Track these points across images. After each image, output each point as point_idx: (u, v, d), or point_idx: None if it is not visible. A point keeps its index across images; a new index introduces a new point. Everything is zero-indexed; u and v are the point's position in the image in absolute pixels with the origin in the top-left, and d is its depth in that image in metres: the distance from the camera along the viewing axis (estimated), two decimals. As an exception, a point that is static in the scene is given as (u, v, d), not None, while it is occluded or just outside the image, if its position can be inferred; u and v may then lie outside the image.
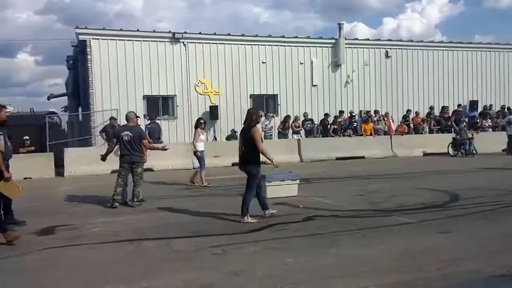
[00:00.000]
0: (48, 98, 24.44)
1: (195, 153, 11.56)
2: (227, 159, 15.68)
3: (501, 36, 69.01)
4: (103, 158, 8.97)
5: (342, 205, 8.25)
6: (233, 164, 15.01)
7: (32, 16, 70.61)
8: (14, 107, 7.71)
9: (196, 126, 11.70)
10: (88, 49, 17.50)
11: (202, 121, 11.90)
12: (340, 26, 21.46)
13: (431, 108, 21.61)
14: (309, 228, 6.66)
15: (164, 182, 12.05)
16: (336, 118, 19.17)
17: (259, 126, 8.35)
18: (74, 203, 9.34)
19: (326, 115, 19.30)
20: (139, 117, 9.82)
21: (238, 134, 18.20)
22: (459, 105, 22.17)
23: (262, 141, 7.32)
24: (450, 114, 21.20)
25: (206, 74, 19.10)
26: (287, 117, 18.56)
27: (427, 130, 20.25)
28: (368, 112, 20.43)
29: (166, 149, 9.77)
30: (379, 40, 22.79)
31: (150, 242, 6.08)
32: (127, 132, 8.73)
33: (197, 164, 11.99)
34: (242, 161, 7.36)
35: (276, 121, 18.91)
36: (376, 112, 20.18)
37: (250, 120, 7.39)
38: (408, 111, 20.91)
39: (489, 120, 21.33)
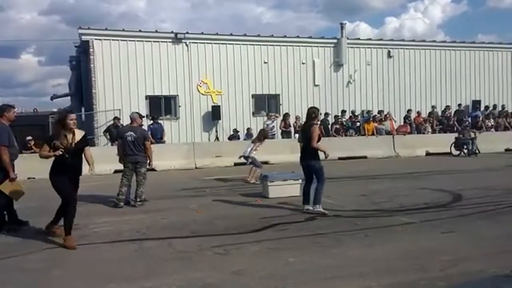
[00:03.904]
0: (51, 98, 24.55)
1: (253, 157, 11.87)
2: (229, 159, 15.71)
3: (504, 35, 69.07)
4: (120, 161, 9.04)
5: (344, 205, 8.24)
6: (235, 164, 15.07)
7: (36, 17, 70.95)
8: (17, 107, 7.75)
9: (265, 138, 12.38)
10: (91, 50, 17.57)
11: None
12: (342, 26, 21.48)
13: (433, 107, 21.59)
14: (311, 228, 6.65)
15: (166, 182, 12.06)
16: (337, 118, 19.16)
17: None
18: (77, 203, 9.32)
19: (326, 114, 19.28)
20: (143, 117, 9.86)
21: (240, 134, 18.34)
22: (459, 105, 22.15)
23: (320, 139, 7.75)
24: (451, 113, 21.18)
25: (208, 74, 19.16)
26: (286, 115, 18.61)
27: (430, 130, 20.23)
28: (369, 112, 20.43)
29: (153, 168, 9.90)
30: (381, 40, 22.82)
31: (152, 242, 6.09)
32: (131, 133, 8.75)
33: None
34: (302, 157, 7.82)
35: (279, 121, 18.91)
36: (380, 112, 20.20)
37: (309, 117, 7.86)
38: (409, 110, 20.91)
39: (492, 120, 21.30)
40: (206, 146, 17.46)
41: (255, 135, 12.10)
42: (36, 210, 8.22)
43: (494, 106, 22.65)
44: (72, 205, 6.15)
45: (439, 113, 21.50)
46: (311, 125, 7.71)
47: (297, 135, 18.29)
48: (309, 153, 7.65)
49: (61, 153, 6.01)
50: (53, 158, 6.12)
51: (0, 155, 6.72)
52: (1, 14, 66.13)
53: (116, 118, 15.72)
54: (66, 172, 6.13)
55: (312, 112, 7.89)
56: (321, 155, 7.74)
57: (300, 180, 9.18)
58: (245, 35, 20.10)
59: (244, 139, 18.27)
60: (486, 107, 22.39)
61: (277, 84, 20.16)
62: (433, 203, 8.27)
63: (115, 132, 13.81)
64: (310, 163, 7.67)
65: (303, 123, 18.31)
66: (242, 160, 12.13)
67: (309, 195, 7.82)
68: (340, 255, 5.30)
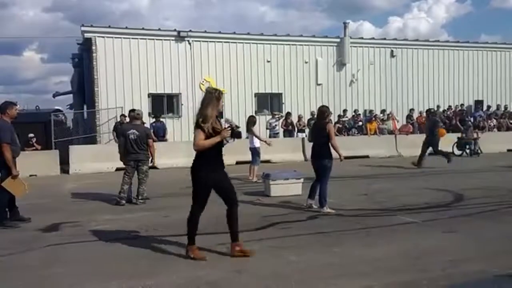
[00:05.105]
0: (54, 96, 24.58)
1: (254, 148, 11.88)
2: (231, 157, 15.68)
3: (508, 35, 68.91)
4: (121, 159, 9.06)
5: (346, 204, 8.24)
6: (237, 163, 15.07)
7: (39, 14, 71.06)
8: (20, 104, 7.80)
9: (254, 124, 12.17)
10: (94, 47, 17.56)
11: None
12: (345, 25, 21.41)
13: (438, 107, 21.57)
14: (313, 227, 6.66)
15: (168, 180, 12.06)
16: (340, 117, 19.15)
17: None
18: (79, 201, 9.39)
19: None
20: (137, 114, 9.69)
21: (240, 130, 18.30)
22: (461, 105, 22.12)
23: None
24: (453, 113, 21.15)
25: (211, 72, 19.12)
26: (288, 114, 18.67)
27: (432, 130, 20.16)
28: (371, 111, 20.42)
29: (155, 166, 9.86)
30: (384, 39, 22.73)
31: (154, 240, 6.09)
32: (133, 131, 8.76)
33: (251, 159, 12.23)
34: (315, 155, 7.81)
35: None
36: (383, 111, 20.22)
37: (322, 117, 7.88)
38: (412, 110, 20.89)
39: (494, 120, 21.27)
40: (208, 144, 17.44)
41: (256, 133, 12.11)
42: (37, 207, 8.27)
43: (497, 107, 22.61)
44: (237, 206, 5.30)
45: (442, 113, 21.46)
46: (326, 124, 7.76)
47: (300, 134, 18.37)
48: (321, 152, 7.67)
49: (229, 133, 4.99)
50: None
51: (2, 152, 6.76)
52: (4, 11, 66.30)
53: (123, 116, 15.68)
54: (221, 165, 5.20)
55: (324, 111, 7.93)
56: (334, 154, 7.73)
57: (302, 179, 9.21)
58: (248, 33, 20.05)
59: (246, 137, 18.27)
60: (488, 107, 22.36)
61: (280, 83, 20.13)
62: (434, 203, 8.27)
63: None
64: (322, 161, 7.67)
65: (307, 122, 18.58)
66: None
67: (315, 192, 7.84)
68: (341, 254, 5.31)
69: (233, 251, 5.21)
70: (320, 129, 7.78)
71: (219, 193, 5.22)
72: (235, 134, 5.12)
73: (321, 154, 7.68)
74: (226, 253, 5.39)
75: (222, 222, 6.99)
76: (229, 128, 5.08)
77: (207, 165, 5.06)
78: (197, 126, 5.04)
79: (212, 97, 5.11)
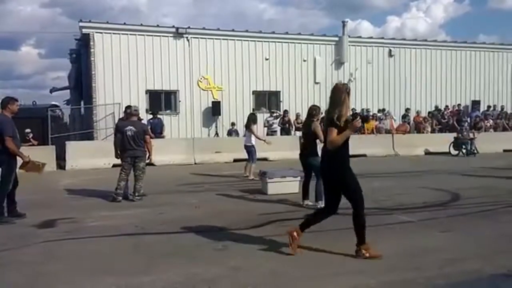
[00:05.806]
0: (51, 91, 24.44)
1: (252, 146, 11.80)
2: (229, 155, 15.72)
3: (506, 36, 69.09)
4: (116, 156, 9.03)
5: (343, 202, 8.18)
6: (235, 160, 15.06)
7: (37, 9, 70.76)
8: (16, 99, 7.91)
9: (255, 122, 12.13)
10: (92, 43, 17.50)
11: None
12: (344, 24, 21.41)
13: (436, 107, 21.62)
14: (310, 225, 6.64)
15: (165, 177, 12.05)
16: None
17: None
18: (75, 197, 9.35)
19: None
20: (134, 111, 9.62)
21: (237, 128, 18.29)
22: (458, 105, 22.17)
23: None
24: (449, 113, 21.20)
25: (209, 69, 19.10)
26: (285, 112, 18.71)
27: (429, 130, 20.25)
28: (368, 110, 20.42)
29: (152, 163, 9.80)
30: (382, 38, 22.74)
31: (151, 237, 6.08)
32: (131, 127, 8.73)
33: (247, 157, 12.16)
34: (302, 153, 7.99)
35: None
36: (381, 110, 20.24)
37: (310, 115, 8.00)
38: (408, 109, 20.92)
39: (491, 120, 21.33)
40: (205, 141, 17.46)
41: (255, 131, 12.10)
42: (33, 203, 8.23)
43: (494, 107, 22.67)
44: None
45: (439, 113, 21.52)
46: (312, 123, 7.80)
47: (297, 132, 18.37)
48: (310, 150, 7.74)
49: (359, 123, 4.87)
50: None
51: (6, 145, 6.85)
52: (2, 5, 65.98)
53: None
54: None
55: (313, 110, 8.01)
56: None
57: (299, 178, 9.19)
58: (246, 31, 20.03)
59: (244, 135, 18.26)
60: (488, 107, 22.41)
61: (278, 81, 20.13)
62: (431, 202, 8.28)
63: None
64: (307, 159, 7.81)
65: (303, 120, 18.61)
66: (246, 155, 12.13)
67: (308, 190, 7.90)
68: (339, 252, 5.30)
69: (359, 253, 5.09)
70: (307, 128, 7.93)
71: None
72: (364, 119, 5.04)
73: (307, 152, 7.83)
74: (223, 250, 5.38)
75: (217, 220, 7.03)
76: (358, 118, 4.94)
77: (345, 162, 5.01)
78: (331, 124, 4.86)
79: (345, 93, 4.96)
